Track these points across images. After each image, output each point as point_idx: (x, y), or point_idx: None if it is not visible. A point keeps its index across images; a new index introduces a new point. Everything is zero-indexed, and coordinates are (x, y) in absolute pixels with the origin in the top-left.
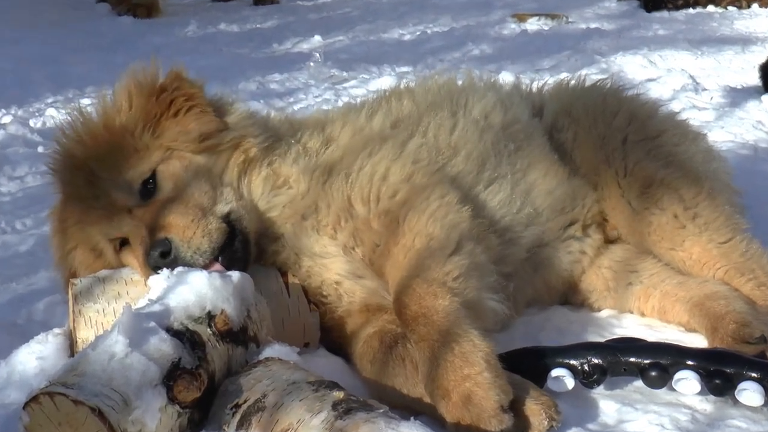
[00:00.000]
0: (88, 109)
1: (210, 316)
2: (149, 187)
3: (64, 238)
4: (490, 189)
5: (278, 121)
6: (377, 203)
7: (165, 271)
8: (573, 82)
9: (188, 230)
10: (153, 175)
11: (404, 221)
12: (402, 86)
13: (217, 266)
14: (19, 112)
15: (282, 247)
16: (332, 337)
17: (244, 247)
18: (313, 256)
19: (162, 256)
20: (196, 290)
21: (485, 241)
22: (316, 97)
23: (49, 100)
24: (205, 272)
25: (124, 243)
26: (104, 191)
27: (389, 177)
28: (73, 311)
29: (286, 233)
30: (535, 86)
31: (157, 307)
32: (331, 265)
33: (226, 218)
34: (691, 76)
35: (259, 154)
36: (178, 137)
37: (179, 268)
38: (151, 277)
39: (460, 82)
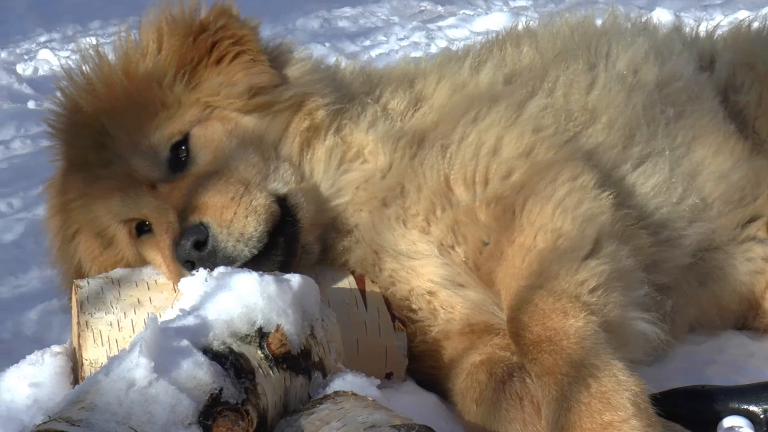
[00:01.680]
0: (103, 50)
1: (261, 334)
2: (180, 155)
3: (65, 220)
4: (640, 170)
5: (351, 74)
6: (485, 186)
7: (201, 272)
8: (756, 24)
9: (227, 211)
10: (185, 139)
11: (522, 211)
12: (520, 27)
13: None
14: (2, 55)
15: (356, 243)
16: (424, 366)
17: (288, 245)
18: (398, 255)
19: (196, 246)
20: (242, 298)
21: (633, 241)
22: (401, 39)
23: (42, 39)
24: (254, 274)
25: (142, 229)
26: (119, 157)
27: (502, 150)
28: (78, 323)
29: (361, 223)
30: (702, 29)
31: (191, 321)
32: (422, 268)
33: (282, 201)
34: None
35: (326, 119)
36: (220, 91)
37: (220, 269)
38: (182, 280)
39: (599, 23)
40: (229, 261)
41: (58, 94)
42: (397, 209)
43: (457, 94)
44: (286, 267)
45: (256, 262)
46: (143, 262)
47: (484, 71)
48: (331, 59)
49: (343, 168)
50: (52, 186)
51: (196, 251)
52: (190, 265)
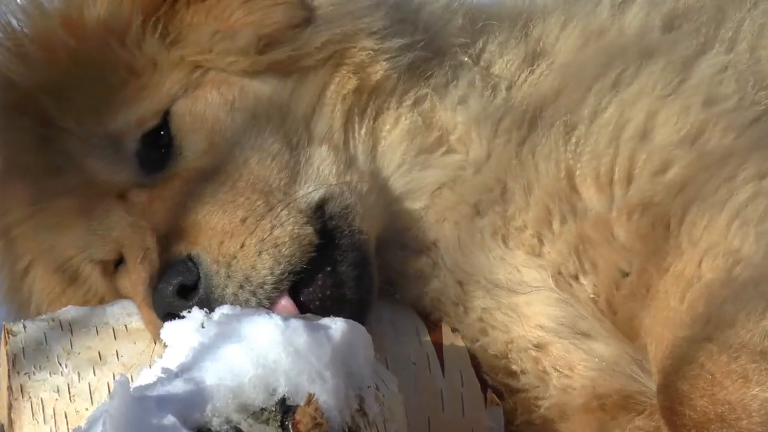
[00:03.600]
0: None
1: (285, 408)
2: (159, 145)
3: (10, 249)
4: None
5: (444, 10)
6: (627, 187)
7: (195, 314)
8: None
9: (232, 240)
10: (165, 121)
11: (681, 225)
12: None
13: (289, 305)
14: None
15: (432, 268)
16: None
17: (361, 271)
18: (493, 288)
19: (180, 293)
20: (257, 354)
21: None
22: None
23: None
24: (275, 317)
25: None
26: (71, 156)
27: (654, 133)
28: (10, 388)
29: (442, 240)
30: None
31: (179, 386)
32: (528, 307)
33: (318, 213)
34: None
35: (392, 81)
36: (214, 44)
37: (224, 308)
38: (167, 326)
39: None
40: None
41: None
42: (495, 220)
43: (590, 45)
44: (363, 306)
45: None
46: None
47: (631, 11)
48: None
49: (421, 160)
50: None
51: (181, 300)
52: (170, 319)
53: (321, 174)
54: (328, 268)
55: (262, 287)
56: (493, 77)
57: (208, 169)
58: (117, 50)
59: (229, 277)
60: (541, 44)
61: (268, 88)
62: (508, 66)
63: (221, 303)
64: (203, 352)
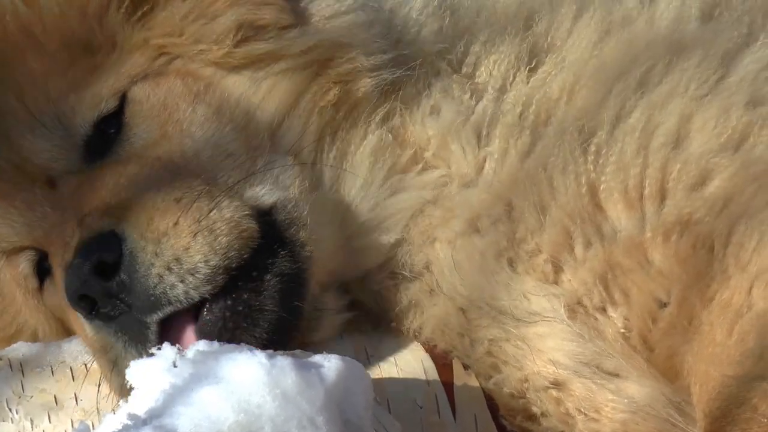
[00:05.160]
0: None
1: None
2: (107, 130)
3: None
4: None
5: (421, 14)
6: (660, 203)
7: (166, 350)
8: None
9: (164, 216)
10: (120, 105)
11: (727, 247)
12: None
13: (192, 338)
14: None
15: (430, 296)
16: None
17: (291, 286)
18: (498, 314)
19: (98, 270)
20: (238, 398)
21: None
22: None
23: None
24: (259, 355)
25: (44, 267)
26: (3, 138)
27: (690, 140)
28: None
29: (434, 262)
30: None
31: None
32: (541, 341)
33: (264, 217)
34: None
35: (372, 98)
36: (186, 27)
37: (199, 345)
38: (133, 365)
39: None
40: (152, 305)
41: None
42: (499, 240)
43: (611, 38)
44: (278, 335)
45: (209, 323)
46: (66, 330)
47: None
48: None
49: (391, 183)
50: None
51: (98, 279)
52: (86, 307)
53: (280, 182)
54: (254, 273)
55: (192, 274)
56: (475, 80)
57: (153, 158)
58: (74, 22)
59: (156, 255)
60: (548, 39)
61: (238, 89)
62: (496, 66)
63: (144, 285)
64: (175, 395)
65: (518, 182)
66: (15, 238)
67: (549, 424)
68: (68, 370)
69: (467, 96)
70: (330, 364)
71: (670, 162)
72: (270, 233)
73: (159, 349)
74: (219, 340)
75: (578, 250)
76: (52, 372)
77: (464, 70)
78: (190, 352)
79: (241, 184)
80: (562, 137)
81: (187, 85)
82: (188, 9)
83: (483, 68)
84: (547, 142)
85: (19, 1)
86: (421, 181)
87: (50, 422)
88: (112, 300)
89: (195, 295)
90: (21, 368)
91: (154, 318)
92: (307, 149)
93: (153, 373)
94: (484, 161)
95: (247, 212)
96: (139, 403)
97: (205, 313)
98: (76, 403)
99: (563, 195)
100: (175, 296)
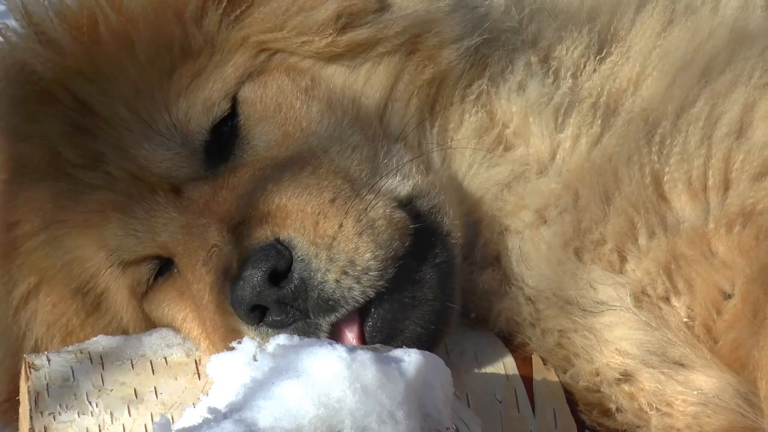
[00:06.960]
0: None
1: None
2: (223, 133)
3: (10, 271)
4: None
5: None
6: (725, 193)
7: (247, 345)
8: None
9: (327, 221)
10: (233, 108)
11: None
12: None
13: (353, 336)
14: None
15: (500, 284)
16: None
17: (444, 276)
18: (565, 304)
19: (273, 279)
20: (318, 392)
21: None
22: None
23: None
24: (339, 349)
25: (156, 272)
26: (114, 149)
27: (753, 129)
28: (32, 430)
29: (503, 252)
30: None
31: (228, 429)
32: (608, 331)
33: (407, 207)
34: None
35: (458, 71)
36: (285, 21)
37: (279, 339)
38: (213, 359)
39: None
40: (330, 308)
41: None
42: (565, 230)
43: (675, 27)
44: (440, 326)
45: (378, 318)
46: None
47: None
48: None
49: (489, 160)
50: None
51: (273, 288)
52: (257, 316)
53: (402, 170)
54: (414, 264)
55: (366, 273)
56: (553, 63)
57: (282, 158)
58: (171, 27)
59: (331, 260)
60: (612, 29)
61: (339, 78)
62: (569, 52)
63: (321, 290)
64: (256, 389)
65: (585, 171)
66: (139, 248)
67: (624, 419)
68: (148, 364)
69: (550, 78)
70: (410, 358)
71: (734, 152)
72: (421, 221)
73: (240, 342)
74: (389, 334)
75: (642, 240)
76: (132, 365)
77: (539, 48)
78: (270, 346)
79: (374, 178)
80: (627, 127)
81: (295, 81)
82: (289, 2)
83: (557, 53)
84: (614, 131)
85: (110, 11)
86: (509, 158)
87: (130, 415)
88: (286, 307)
89: (371, 293)
90: (101, 361)
91: (329, 320)
92: (411, 133)
93: (233, 367)
94: (558, 147)
95: (395, 204)
96: (220, 396)
97: (373, 310)
98: (156, 397)
99: (627, 185)
100: (352, 297)
